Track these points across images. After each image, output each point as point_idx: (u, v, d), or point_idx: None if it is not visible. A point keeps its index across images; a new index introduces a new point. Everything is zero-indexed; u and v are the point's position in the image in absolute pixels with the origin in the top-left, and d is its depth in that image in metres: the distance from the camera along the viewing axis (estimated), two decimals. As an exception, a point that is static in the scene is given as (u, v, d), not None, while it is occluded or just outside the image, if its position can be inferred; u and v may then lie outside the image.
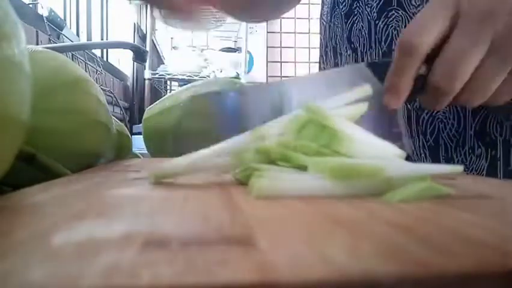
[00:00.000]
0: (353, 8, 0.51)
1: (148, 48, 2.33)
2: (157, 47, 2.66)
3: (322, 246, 0.13)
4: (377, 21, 0.49)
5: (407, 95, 0.35)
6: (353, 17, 0.51)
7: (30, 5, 1.15)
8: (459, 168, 0.23)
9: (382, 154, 0.26)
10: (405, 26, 0.46)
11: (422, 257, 0.12)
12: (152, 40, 2.49)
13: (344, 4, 0.53)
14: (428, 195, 0.22)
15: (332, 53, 0.57)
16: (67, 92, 0.42)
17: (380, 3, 0.48)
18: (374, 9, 0.49)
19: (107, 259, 0.11)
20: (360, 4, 0.50)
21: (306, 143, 0.26)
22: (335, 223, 0.16)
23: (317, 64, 0.64)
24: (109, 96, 1.54)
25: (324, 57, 0.60)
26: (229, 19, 2.52)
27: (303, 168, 0.24)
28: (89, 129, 0.44)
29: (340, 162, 0.23)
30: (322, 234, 0.15)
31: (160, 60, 2.78)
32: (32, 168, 0.36)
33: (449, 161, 0.47)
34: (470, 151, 0.45)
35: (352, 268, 0.11)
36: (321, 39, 0.61)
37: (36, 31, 1.09)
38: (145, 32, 2.59)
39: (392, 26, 0.48)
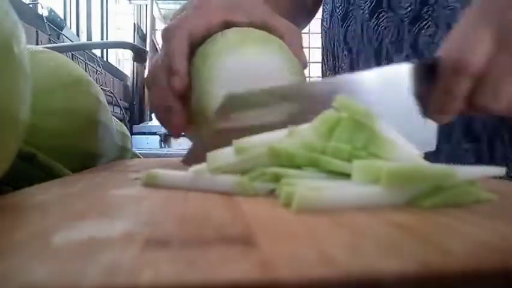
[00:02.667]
0: (348, 11, 0.54)
1: (148, 48, 2.33)
2: (157, 47, 2.65)
3: (322, 246, 0.13)
4: (368, 22, 0.51)
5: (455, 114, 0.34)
6: (348, 19, 0.54)
7: (30, 5, 1.15)
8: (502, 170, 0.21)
9: (410, 156, 0.23)
10: (394, 27, 0.49)
11: (422, 256, 0.12)
12: (152, 40, 2.49)
13: (340, 8, 0.56)
14: (468, 200, 0.20)
15: (330, 56, 0.60)
16: (67, 92, 0.42)
17: (372, 5, 0.51)
18: (366, 11, 0.51)
19: (108, 258, 0.11)
20: (354, 7, 0.53)
21: (337, 145, 0.23)
22: (334, 222, 0.16)
23: (317, 64, 0.66)
24: (109, 96, 1.54)
25: (325, 60, 0.62)
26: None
27: (334, 174, 0.22)
28: (89, 129, 0.44)
29: (398, 166, 0.20)
30: (322, 233, 0.15)
31: (160, 60, 2.76)
32: (32, 168, 0.36)
33: (436, 154, 0.47)
34: (457, 145, 0.46)
35: (352, 267, 0.11)
36: (322, 44, 0.64)
37: (36, 31, 1.09)
38: (145, 32, 2.59)
39: (382, 26, 0.50)
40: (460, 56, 0.32)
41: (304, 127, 0.24)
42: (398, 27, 0.49)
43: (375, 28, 0.51)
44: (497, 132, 0.45)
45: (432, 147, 0.36)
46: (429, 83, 0.35)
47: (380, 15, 0.50)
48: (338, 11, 0.56)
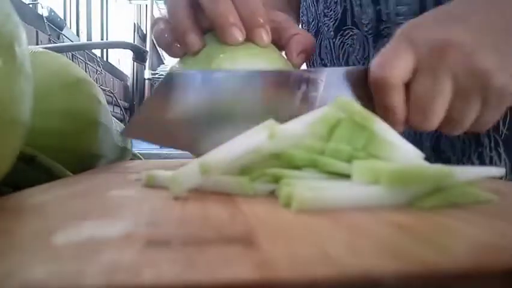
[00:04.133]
0: (319, 26, 0.55)
1: (148, 48, 2.33)
2: (157, 47, 2.65)
3: (322, 245, 0.13)
4: (333, 40, 0.52)
5: (404, 116, 0.35)
6: (320, 35, 0.55)
7: (30, 5, 1.15)
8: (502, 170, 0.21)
9: (410, 157, 0.23)
10: (359, 44, 0.49)
11: (422, 256, 0.12)
12: (152, 40, 2.49)
13: (312, 24, 0.56)
14: (468, 201, 0.20)
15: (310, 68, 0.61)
16: (67, 93, 0.42)
17: (336, 23, 0.51)
18: (331, 28, 0.52)
19: (108, 259, 0.11)
20: (322, 24, 0.54)
21: (337, 146, 0.23)
22: (334, 222, 0.16)
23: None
24: (109, 96, 1.54)
25: None
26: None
27: (333, 174, 0.22)
28: (90, 130, 0.44)
29: (398, 167, 0.20)
30: (322, 233, 0.15)
31: (160, 60, 2.78)
32: (32, 169, 0.36)
33: None
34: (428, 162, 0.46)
35: (352, 267, 0.11)
36: None
37: (36, 31, 1.09)
38: (145, 32, 2.59)
39: (347, 43, 0.51)
40: (381, 70, 0.33)
41: (283, 126, 0.23)
42: (363, 44, 0.49)
43: (341, 45, 0.51)
44: (465, 154, 0.45)
45: None
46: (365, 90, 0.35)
47: (345, 33, 0.50)
48: (311, 26, 0.57)
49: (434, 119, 0.33)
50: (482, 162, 0.44)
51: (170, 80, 0.34)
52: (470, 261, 0.12)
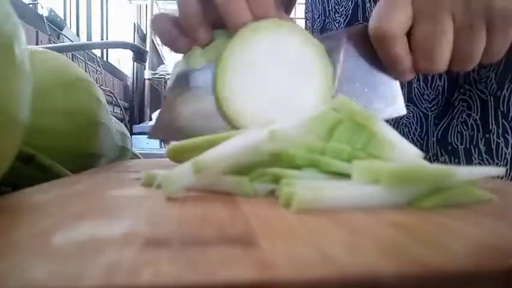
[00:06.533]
0: (325, 23, 0.56)
1: (148, 48, 2.33)
2: (157, 47, 2.66)
3: (322, 245, 0.13)
4: None
5: (410, 65, 0.36)
6: (326, 31, 0.56)
7: (30, 5, 1.15)
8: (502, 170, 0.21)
9: (410, 157, 0.23)
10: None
11: (422, 256, 0.12)
12: (152, 40, 2.49)
13: (318, 20, 0.57)
14: (468, 201, 0.20)
15: None
16: (67, 92, 0.42)
17: (347, 19, 0.53)
18: (342, 24, 0.53)
19: (107, 259, 0.11)
20: (330, 20, 0.55)
21: (337, 146, 0.22)
22: (334, 222, 0.16)
23: None
24: (109, 96, 1.54)
25: None
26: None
27: (333, 174, 0.22)
28: (89, 129, 0.44)
29: (398, 167, 0.19)
30: (322, 233, 0.15)
31: (160, 60, 2.78)
32: (32, 168, 0.36)
33: None
34: (434, 158, 0.47)
35: (352, 267, 0.11)
36: None
37: (36, 31, 1.09)
38: (145, 32, 2.59)
39: None
40: (379, 23, 0.34)
41: (282, 127, 0.23)
42: None
43: None
44: (473, 141, 0.45)
45: (402, 110, 0.39)
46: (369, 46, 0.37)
47: None
48: (316, 22, 0.58)
49: (441, 61, 0.34)
50: (488, 150, 0.44)
51: (183, 78, 0.36)
52: (470, 261, 0.12)
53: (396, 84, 0.39)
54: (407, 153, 0.23)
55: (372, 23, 0.35)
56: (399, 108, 0.39)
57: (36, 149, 0.36)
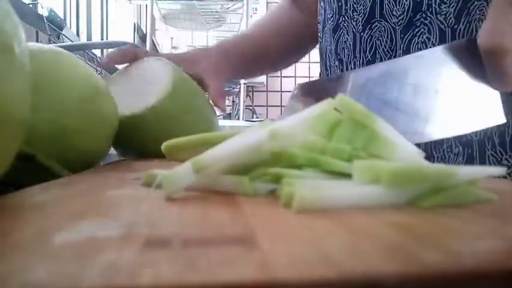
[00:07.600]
0: (339, 22, 0.56)
1: (148, 48, 2.33)
2: (157, 47, 2.65)
3: (322, 246, 0.13)
4: (361, 33, 0.54)
5: None
6: (339, 30, 0.56)
7: (30, 5, 1.15)
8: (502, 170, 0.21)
9: (411, 156, 0.23)
10: (387, 36, 0.51)
11: (422, 256, 0.12)
12: (152, 40, 2.49)
13: (331, 20, 0.58)
14: (468, 200, 0.20)
15: (324, 67, 0.62)
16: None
17: (365, 17, 0.53)
18: (360, 23, 0.53)
19: (107, 259, 0.11)
20: (346, 19, 0.55)
21: (338, 145, 0.22)
22: (334, 222, 0.16)
23: (317, 64, 0.69)
24: (109, 96, 1.53)
25: (321, 70, 0.66)
26: (230, 19, 2.52)
27: (334, 174, 0.22)
28: (90, 129, 0.44)
29: (398, 167, 0.19)
30: (322, 233, 0.15)
31: (160, 60, 2.76)
32: (32, 168, 0.36)
33: (429, 158, 0.49)
34: (449, 150, 0.48)
35: (352, 267, 0.11)
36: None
37: (36, 31, 1.09)
38: (145, 32, 2.59)
39: (375, 36, 0.52)
40: (492, 38, 0.36)
41: (281, 126, 0.23)
42: (390, 36, 0.51)
43: (369, 39, 0.53)
44: (488, 135, 0.46)
45: (501, 119, 0.40)
46: (473, 61, 0.39)
47: (373, 26, 0.52)
48: (329, 22, 0.58)
49: None
50: (502, 142, 0.45)
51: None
52: (470, 261, 0.12)
53: (497, 94, 0.40)
54: (407, 152, 0.23)
55: (485, 37, 0.37)
56: (499, 116, 0.40)
57: (37, 149, 0.36)
